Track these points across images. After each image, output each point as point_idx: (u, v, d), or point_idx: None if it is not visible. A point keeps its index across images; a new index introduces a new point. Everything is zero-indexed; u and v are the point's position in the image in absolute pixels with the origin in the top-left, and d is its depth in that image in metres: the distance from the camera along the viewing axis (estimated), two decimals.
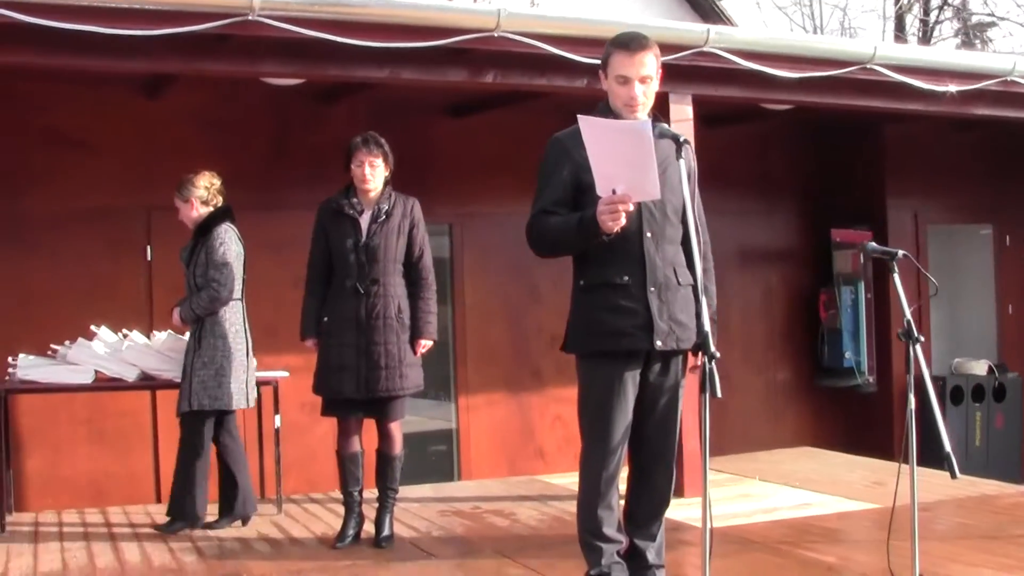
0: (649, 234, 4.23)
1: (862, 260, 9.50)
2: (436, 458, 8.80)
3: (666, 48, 6.44)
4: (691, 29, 6.49)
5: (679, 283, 4.27)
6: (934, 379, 9.47)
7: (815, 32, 18.90)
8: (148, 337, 6.68)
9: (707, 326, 3.87)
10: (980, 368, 9.80)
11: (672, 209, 4.26)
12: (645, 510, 4.47)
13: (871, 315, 9.56)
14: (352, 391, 5.68)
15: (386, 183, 5.79)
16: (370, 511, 5.98)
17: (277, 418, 6.65)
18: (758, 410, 9.67)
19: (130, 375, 6.42)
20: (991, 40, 18.69)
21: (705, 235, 4.50)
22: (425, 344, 5.84)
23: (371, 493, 6.00)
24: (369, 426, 5.90)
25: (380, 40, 5.82)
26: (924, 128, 9.40)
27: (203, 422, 6.15)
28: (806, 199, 9.96)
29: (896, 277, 4.74)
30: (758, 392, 9.71)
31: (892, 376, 9.60)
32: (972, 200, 10.06)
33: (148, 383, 6.57)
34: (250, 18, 5.52)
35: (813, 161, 9.98)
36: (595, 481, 4.36)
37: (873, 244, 4.84)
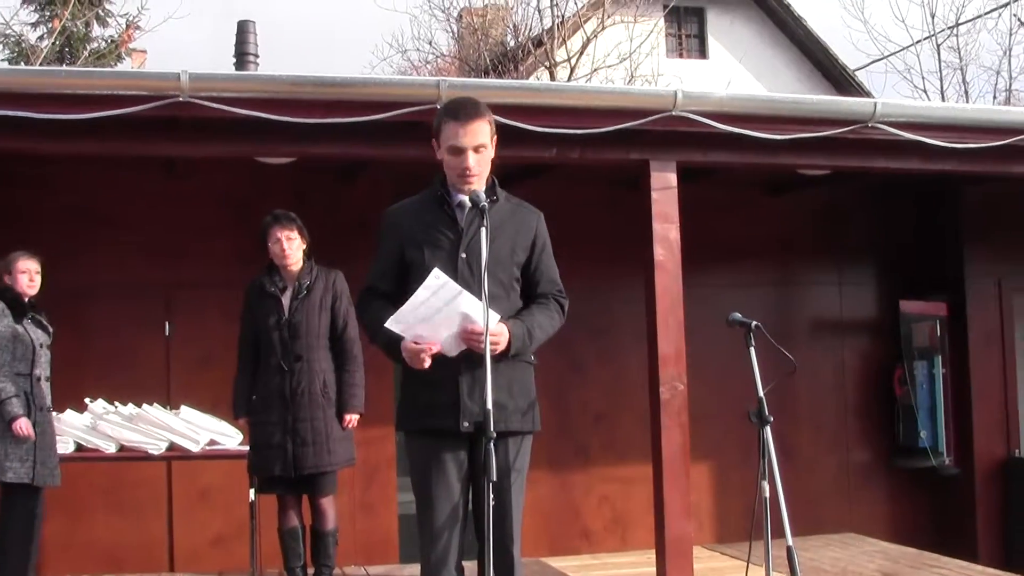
0: None
1: (938, 332, 8.86)
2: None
3: (633, 113, 6.34)
4: (657, 92, 6.25)
5: (499, 361, 4.02)
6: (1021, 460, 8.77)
7: (966, 99, 17.96)
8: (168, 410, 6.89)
9: (489, 404, 3.71)
10: None
11: (497, 282, 4.05)
12: None
13: (948, 391, 8.87)
14: (280, 469, 5.68)
15: (308, 257, 5.81)
16: None
17: (251, 492, 6.66)
18: (829, 491, 9.08)
19: (108, 447, 6.61)
20: None
21: (552, 313, 4.22)
22: (351, 418, 5.79)
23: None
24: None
25: (312, 117, 5.86)
26: (1008, 190, 8.71)
27: None
28: (880, 268, 9.40)
29: (752, 351, 4.38)
30: (829, 472, 9.13)
31: (974, 458, 8.88)
32: None
33: (129, 455, 6.72)
34: (181, 99, 5.68)
35: (887, 227, 9.42)
36: (424, 567, 4.19)
37: (736, 315, 4.51)
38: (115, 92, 5.62)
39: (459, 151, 4.03)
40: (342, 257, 6.58)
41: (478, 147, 4.03)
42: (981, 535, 8.65)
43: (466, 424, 3.99)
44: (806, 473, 9.05)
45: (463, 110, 4.08)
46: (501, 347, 3.87)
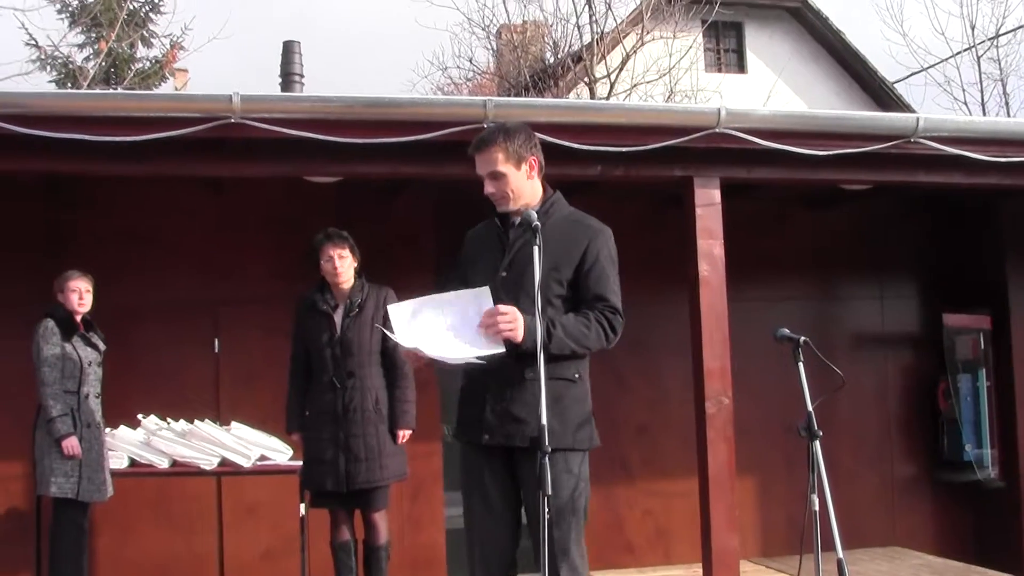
0: None
1: (982, 345, 8.84)
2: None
3: (677, 131, 6.40)
4: (701, 110, 6.30)
5: (525, 377, 4.02)
6: None
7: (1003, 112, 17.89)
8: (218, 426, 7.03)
9: (544, 419, 3.76)
10: None
11: (532, 300, 4.07)
12: None
13: (992, 405, 8.84)
14: (333, 484, 5.76)
15: (358, 275, 5.91)
16: None
17: (301, 507, 6.73)
18: (871, 505, 9.05)
19: (161, 463, 6.73)
20: None
21: (588, 322, 4.23)
22: (403, 434, 5.87)
23: None
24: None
25: (361, 137, 5.95)
26: None
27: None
28: (922, 281, 9.40)
29: (801, 366, 4.41)
30: (871, 485, 9.10)
31: (1020, 471, 8.83)
32: None
33: (182, 470, 6.83)
34: (232, 120, 5.78)
35: (928, 241, 9.41)
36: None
37: (784, 330, 4.54)
38: (168, 114, 5.74)
39: (482, 179, 4.19)
40: (386, 274, 6.68)
41: (492, 174, 4.17)
42: None
43: (486, 437, 4.07)
44: (848, 487, 8.99)
45: (475, 142, 4.24)
46: (511, 329, 3.89)
